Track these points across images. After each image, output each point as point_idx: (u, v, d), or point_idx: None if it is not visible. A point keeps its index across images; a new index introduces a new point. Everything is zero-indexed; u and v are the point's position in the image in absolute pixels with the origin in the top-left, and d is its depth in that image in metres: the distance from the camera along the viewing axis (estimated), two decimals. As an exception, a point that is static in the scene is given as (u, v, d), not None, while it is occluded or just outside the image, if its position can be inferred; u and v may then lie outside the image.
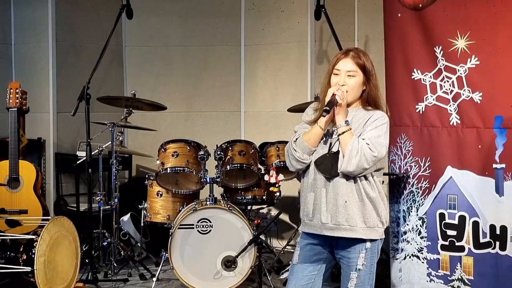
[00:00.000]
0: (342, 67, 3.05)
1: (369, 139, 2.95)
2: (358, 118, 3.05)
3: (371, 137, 2.96)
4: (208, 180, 4.78)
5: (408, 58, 4.00)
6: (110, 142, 5.06)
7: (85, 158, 4.94)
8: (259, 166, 5.00)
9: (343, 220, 3.00)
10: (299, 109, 5.06)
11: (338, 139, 3.02)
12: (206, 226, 4.59)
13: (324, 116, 3.00)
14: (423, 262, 4.02)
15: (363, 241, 3.02)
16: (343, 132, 2.98)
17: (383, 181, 3.19)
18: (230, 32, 6.37)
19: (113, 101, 5.39)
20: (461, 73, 3.75)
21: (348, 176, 2.99)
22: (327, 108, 2.96)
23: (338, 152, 3.01)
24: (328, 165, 3.02)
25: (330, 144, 3.05)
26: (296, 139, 3.10)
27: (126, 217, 5.51)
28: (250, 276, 4.65)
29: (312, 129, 3.06)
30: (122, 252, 5.11)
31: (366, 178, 3.01)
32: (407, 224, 4.09)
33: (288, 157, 3.14)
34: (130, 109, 5.12)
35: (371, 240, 3.03)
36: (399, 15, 4.03)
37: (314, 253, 3.15)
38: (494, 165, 3.65)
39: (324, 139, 3.08)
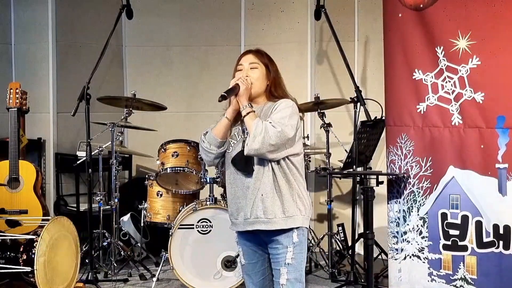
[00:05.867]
0: (244, 61, 3.18)
1: (272, 119, 2.99)
2: (265, 110, 3.11)
3: (274, 118, 3.00)
4: (208, 180, 4.77)
5: (409, 59, 3.99)
6: (110, 142, 5.06)
7: (85, 158, 4.94)
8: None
9: (260, 213, 3.02)
10: (299, 109, 5.03)
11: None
12: (206, 226, 4.58)
13: (220, 101, 3.07)
14: (424, 262, 4.01)
15: (289, 235, 3.04)
16: (247, 114, 3.02)
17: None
18: (230, 32, 6.37)
19: (113, 101, 5.38)
20: (462, 73, 3.75)
21: (263, 169, 3.01)
22: (224, 94, 3.03)
23: None
24: (242, 163, 3.06)
25: (244, 142, 3.06)
26: (207, 132, 3.17)
27: (126, 217, 5.50)
28: (251, 276, 4.64)
29: (220, 121, 3.14)
30: (122, 252, 5.11)
31: (281, 168, 3.03)
32: (407, 224, 4.08)
33: (200, 150, 3.21)
34: (130, 109, 5.12)
35: (297, 234, 3.04)
36: (400, 15, 4.02)
37: (254, 250, 3.17)
38: (497, 165, 3.65)
39: (239, 138, 3.12)
